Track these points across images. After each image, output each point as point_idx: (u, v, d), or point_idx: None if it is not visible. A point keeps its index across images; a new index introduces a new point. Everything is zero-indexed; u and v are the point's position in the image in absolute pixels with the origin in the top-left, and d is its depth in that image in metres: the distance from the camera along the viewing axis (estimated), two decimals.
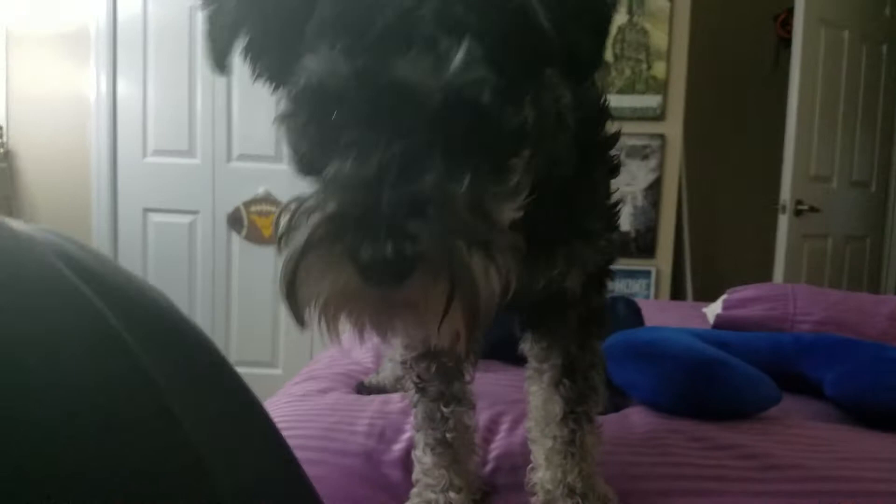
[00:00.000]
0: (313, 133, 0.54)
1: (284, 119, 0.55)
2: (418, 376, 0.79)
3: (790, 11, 3.08)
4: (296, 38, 0.54)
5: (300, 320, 0.51)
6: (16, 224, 0.41)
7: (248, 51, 0.59)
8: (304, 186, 0.54)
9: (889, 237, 3.54)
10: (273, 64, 0.59)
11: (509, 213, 0.54)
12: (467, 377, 0.81)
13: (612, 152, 0.75)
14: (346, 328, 0.51)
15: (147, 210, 3.16)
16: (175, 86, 3.08)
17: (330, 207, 0.48)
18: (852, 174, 3.29)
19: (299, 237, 0.49)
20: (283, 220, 0.52)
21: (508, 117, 0.53)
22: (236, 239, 3.17)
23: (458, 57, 0.49)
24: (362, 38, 0.50)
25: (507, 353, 1.18)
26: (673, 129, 2.90)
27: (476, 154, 0.52)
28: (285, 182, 3.05)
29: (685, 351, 1.07)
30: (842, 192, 3.25)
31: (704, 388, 1.00)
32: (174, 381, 0.41)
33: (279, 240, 0.52)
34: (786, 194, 2.95)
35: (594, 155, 0.73)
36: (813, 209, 3.00)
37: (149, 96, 3.10)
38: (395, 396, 1.08)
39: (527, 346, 0.78)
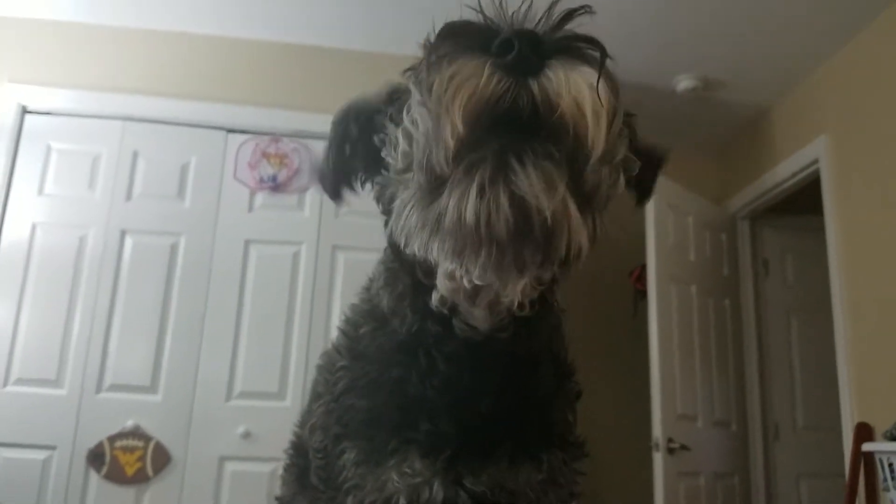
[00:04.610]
0: None
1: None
2: None
3: (643, 268, 3.42)
4: None
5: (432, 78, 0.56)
6: None
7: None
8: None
9: (753, 474, 3.71)
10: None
11: None
12: None
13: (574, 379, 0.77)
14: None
15: None
16: (51, 312, 2.97)
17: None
18: (714, 414, 3.50)
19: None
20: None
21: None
22: (94, 479, 2.88)
23: None
24: None
25: None
26: None
27: None
28: (158, 415, 2.89)
29: None
30: (707, 430, 3.43)
31: None
32: None
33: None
34: (657, 432, 3.09)
35: (566, 368, 0.75)
36: (684, 447, 3.14)
37: (21, 322, 2.95)
38: None
39: None
